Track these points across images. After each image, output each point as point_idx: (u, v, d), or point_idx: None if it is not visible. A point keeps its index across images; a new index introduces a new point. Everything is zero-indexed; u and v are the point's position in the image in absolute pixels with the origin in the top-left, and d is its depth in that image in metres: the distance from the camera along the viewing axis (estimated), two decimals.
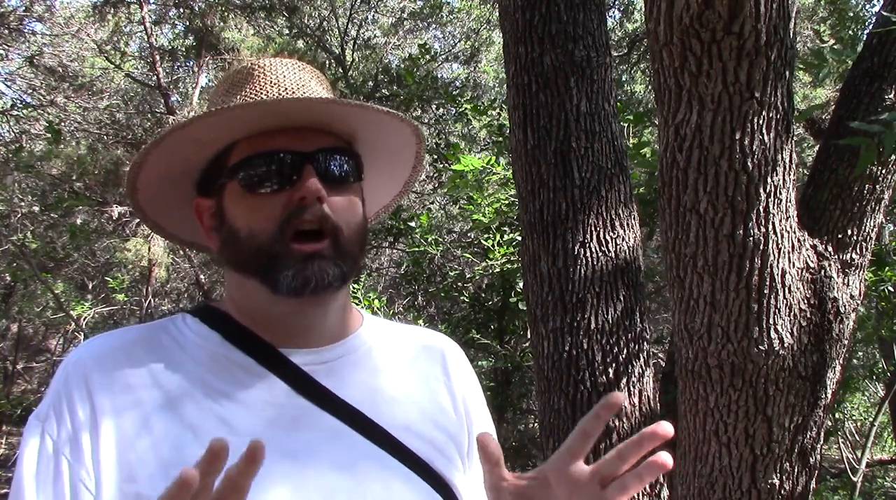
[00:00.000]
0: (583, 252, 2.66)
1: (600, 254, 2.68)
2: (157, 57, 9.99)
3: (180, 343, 0.90)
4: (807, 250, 1.96)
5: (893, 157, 2.07)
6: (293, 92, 0.91)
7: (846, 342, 2.06)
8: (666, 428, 0.67)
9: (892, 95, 2.10)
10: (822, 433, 2.06)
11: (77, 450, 0.82)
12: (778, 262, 1.82)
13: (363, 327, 0.99)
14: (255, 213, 0.87)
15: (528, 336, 3.53)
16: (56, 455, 0.82)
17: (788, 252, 1.84)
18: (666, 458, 0.66)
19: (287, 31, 10.47)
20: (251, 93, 0.91)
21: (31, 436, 0.84)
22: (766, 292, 1.82)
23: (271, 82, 0.91)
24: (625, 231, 2.75)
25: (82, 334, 7.67)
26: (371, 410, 0.89)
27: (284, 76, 0.92)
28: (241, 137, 0.88)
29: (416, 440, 0.91)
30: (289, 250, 0.85)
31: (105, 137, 10.04)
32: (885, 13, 2.08)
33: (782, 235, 1.81)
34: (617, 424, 2.58)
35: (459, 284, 6.74)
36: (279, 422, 0.86)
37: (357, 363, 0.94)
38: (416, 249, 6.53)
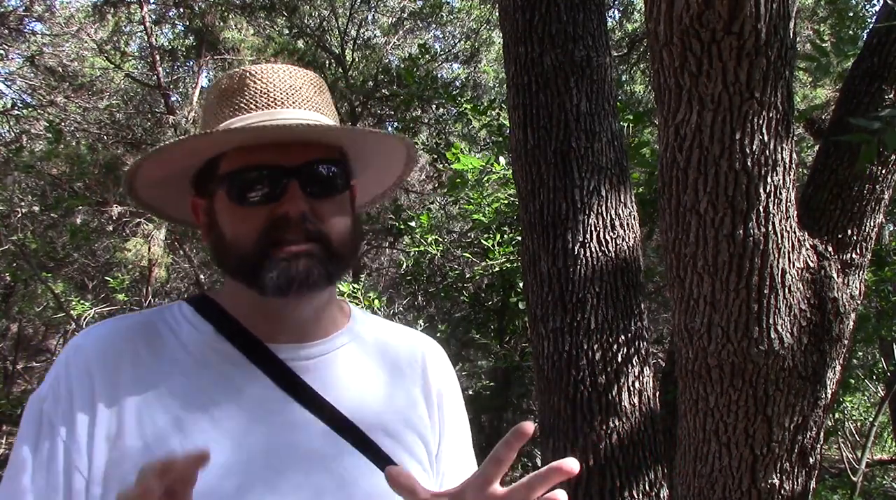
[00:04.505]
0: (583, 252, 2.66)
1: (600, 254, 2.68)
2: (157, 57, 9.99)
3: (176, 333, 0.94)
4: (807, 249, 1.96)
5: (894, 157, 2.07)
6: (283, 102, 0.93)
7: (846, 342, 2.06)
8: (572, 465, 0.71)
9: (892, 95, 2.10)
10: (822, 433, 2.06)
11: (73, 433, 0.85)
12: (778, 262, 1.82)
13: (349, 324, 1.02)
14: (241, 223, 0.89)
15: (528, 336, 3.53)
16: (53, 437, 0.85)
17: (788, 252, 1.84)
18: (562, 496, 0.72)
19: (287, 31, 10.47)
20: (242, 103, 0.93)
21: (30, 417, 0.87)
22: (766, 292, 1.82)
23: (262, 92, 0.93)
24: (625, 231, 2.75)
25: None
26: (347, 407, 0.93)
27: (275, 85, 0.94)
28: (230, 149, 0.90)
29: (388, 439, 0.94)
30: (271, 255, 0.88)
31: (105, 136, 10.02)
32: (889, 2, 2.08)
33: (782, 235, 1.81)
34: (617, 424, 2.58)
35: (459, 284, 6.74)
36: (261, 417, 0.89)
37: (339, 361, 0.97)
38: (416, 249, 6.53)
